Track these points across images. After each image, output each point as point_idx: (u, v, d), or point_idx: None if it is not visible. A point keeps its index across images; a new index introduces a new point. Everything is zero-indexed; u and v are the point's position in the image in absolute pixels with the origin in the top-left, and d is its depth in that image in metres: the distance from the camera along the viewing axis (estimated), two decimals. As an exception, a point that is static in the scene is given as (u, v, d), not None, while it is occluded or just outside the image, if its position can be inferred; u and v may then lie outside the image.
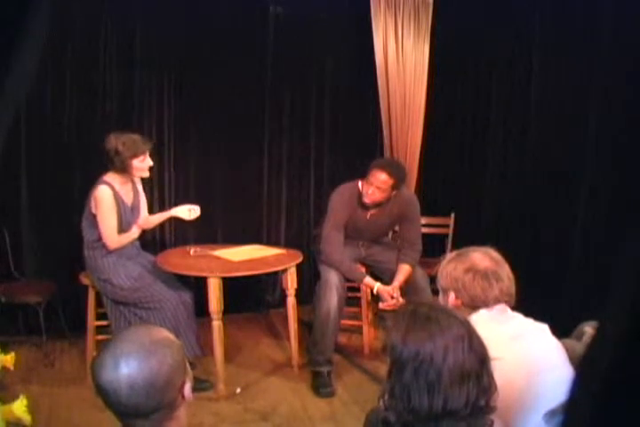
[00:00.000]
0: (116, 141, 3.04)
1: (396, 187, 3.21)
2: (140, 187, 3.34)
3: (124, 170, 3.10)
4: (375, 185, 3.16)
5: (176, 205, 4.14)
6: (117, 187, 3.14)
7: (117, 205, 3.12)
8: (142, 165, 3.13)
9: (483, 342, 1.30)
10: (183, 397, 1.28)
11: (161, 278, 3.21)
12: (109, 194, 3.08)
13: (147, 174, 3.22)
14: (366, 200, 3.23)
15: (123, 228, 3.17)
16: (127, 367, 1.18)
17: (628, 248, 0.45)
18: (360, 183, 3.28)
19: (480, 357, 1.26)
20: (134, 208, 3.25)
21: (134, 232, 3.25)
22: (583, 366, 0.48)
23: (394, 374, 1.29)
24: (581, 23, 3.45)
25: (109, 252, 3.15)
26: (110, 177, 3.13)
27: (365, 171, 3.24)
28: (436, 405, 1.22)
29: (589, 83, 3.42)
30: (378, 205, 3.30)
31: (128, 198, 3.22)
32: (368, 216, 3.37)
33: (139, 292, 3.12)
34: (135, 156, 3.07)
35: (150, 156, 3.16)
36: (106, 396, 1.20)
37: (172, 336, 1.30)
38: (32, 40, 0.47)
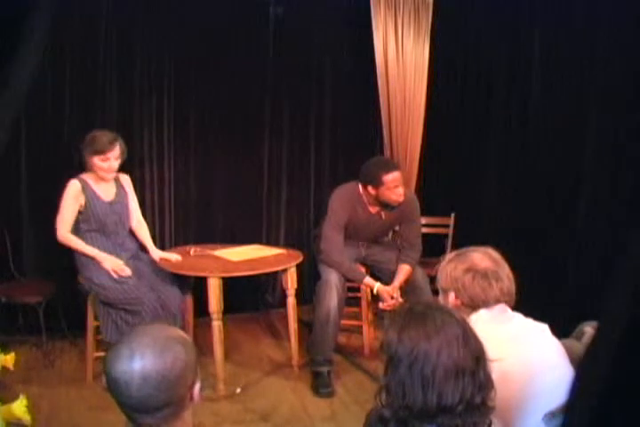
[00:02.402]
0: (87, 136, 3.06)
1: None
2: (127, 186, 3.32)
3: (87, 167, 3.10)
4: (399, 184, 3.21)
5: (175, 204, 4.18)
6: (92, 183, 3.15)
7: (87, 199, 3.11)
8: (102, 164, 3.08)
9: (479, 340, 1.31)
10: (192, 398, 1.29)
11: (148, 281, 3.17)
12: (75, 187, 3.10)
13: (107, 176, 3.15)
14: (400, 199, 3.25)
15: (110, 221, 3.16)
16: (142, 359, 1.20)
17: (628, 249, 0.45)
18: (363, 189, 3.28)
19: (475, 354, 1.28)
20: (115, 204, 3.22)
21: (87, 249, 3.13)
22: (583, 367, 0.48)
23: (389, 370, 1.31)
24: (581, 23, 3.45)
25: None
26: (86, 174, 3.16)
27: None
28: (430, 400, 1.23)
29: (589, 82, 3.42)
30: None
31: (107, 195, 3.20)
32: (383, 215, 3.38)
33: (118, 293, 3.07)
34: (94, 153, 3.04)
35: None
36: (117, 387, 1.21)
37: (186, 336, 1.33)
38: (34, 38, 0.47)
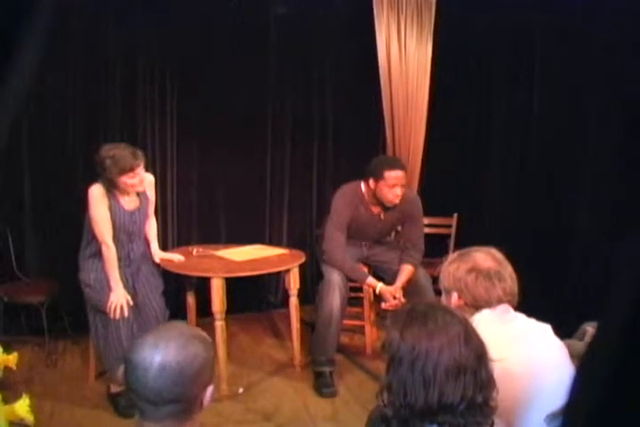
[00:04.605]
0: (104, 155, 2.81)
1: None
2: (150, 189, 3.11)
3: (112, 186, 2.90)
4: (399, 184, 3.20)
5: (178, 204, 4.18)
6: (115, 190, 2.95)
7: (110, 205, 2.91)
8: (133, 181, 2.87)
9: (480, 339, 1.32)
10: (202, 404, 1.34)
11: (139, 294, 3.03)
12: (98, 190, 2.89)
13: (140, 189, 2.97)
14: (395, 201, 3.24)
15: (122, 231, 2.97)
16: (165, 349, 1.24)
17: (628, 248, 0.45)
18: (364, 186, 3.29)
19: (477, 353, 1.28)
20: (136, 213, 3.03)
21: (112, 271, 2.92)
22: (583, 367, 0.48)
23: (391, 369, 1.32)
24: (581, 23, 3.44)
25: (92, 255, 2.98)
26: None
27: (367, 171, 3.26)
28: (431, 399, 1.23)
29: (590, 82, 3.41)
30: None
31: (129, 204, 3.01)
32: (383, 216, 3.39)
33: (98, 294, 2.93)
34: (122, 173, 2.82)
35: (146, 168, 2.95)
36: (134, 373, 1.24)
37: (208, 338, 1.37)
38: (34, 38, 0.48)
